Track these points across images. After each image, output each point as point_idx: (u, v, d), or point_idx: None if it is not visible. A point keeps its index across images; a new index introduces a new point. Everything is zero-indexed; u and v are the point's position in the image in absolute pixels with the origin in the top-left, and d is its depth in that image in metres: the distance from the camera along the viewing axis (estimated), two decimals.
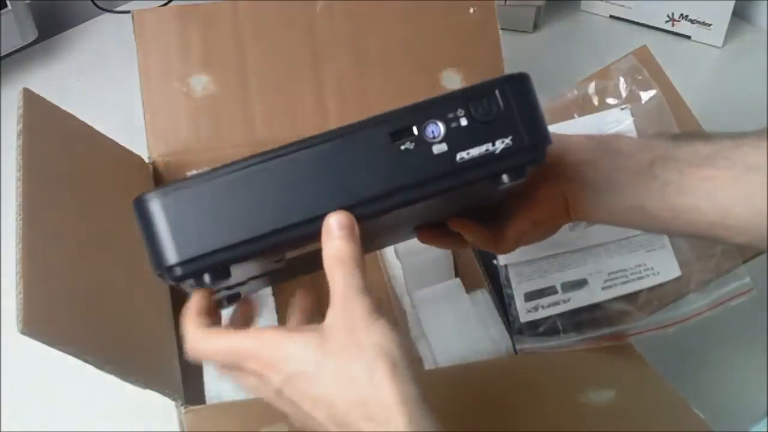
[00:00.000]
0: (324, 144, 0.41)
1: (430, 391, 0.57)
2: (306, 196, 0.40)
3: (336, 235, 0.40)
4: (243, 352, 0.40)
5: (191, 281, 0.41)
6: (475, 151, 0.41)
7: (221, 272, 0.41)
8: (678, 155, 0.48)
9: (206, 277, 0.41)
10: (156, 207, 0.40)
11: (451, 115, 0.41)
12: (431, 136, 0.41)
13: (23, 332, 0.44)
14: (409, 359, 0.39)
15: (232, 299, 0.48)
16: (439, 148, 0.41)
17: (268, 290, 0.66)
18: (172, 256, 0.40)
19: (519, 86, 0.42)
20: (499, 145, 0.41)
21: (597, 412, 0.56)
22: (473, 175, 0.42)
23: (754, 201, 0.45)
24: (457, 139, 0.41)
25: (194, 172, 0.70)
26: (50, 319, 0.47)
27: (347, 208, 0.40)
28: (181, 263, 0.40)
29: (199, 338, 0.42)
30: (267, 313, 0.65)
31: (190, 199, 0.40)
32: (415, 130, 0.41)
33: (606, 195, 0.49)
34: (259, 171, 0.40)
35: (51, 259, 0.51)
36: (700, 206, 0.47)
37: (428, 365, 0.63)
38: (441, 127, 0.41)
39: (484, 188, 0.44)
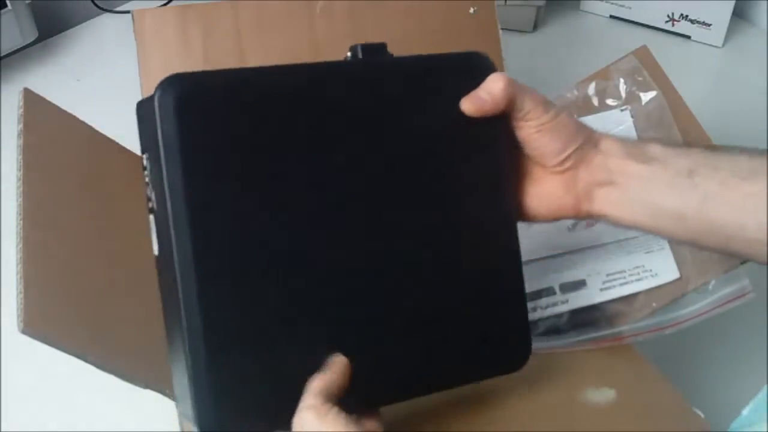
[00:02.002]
0: None
1: None
2: None
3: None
4: None
5: None
6: None
7: None
8: (719, 164, 0.46)
9: None
10: None
11: None
12: None
13: (23, 332, 0.44)
14: None
15: None
16: None
17: None
18: None
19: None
20: None
21: (597, 412, 0.57)
22: None
23: None
24: None
25: None
26: (50, 319, 0.47)
27: None
28: None
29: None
30: None
31: None
32: None
33: (637, 201, 0.48)
34: None
35: (51, 259, 0.50)
36: (740, 221, 0.45)
37: None
38: None
39: None
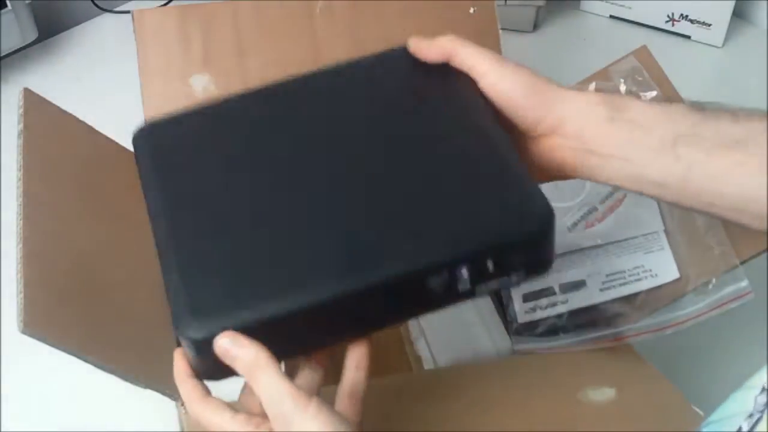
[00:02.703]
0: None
1: (430, 391, 0.57)
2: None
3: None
4: None
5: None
6: (492, 284, 0.44)
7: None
8: (703, 133, 0.45)
9: None
10: None
11: (480, 265, 0.43)
12: (459, 277, 0.43)
13: (23, 332, 0.44)
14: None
15: None
16: (463, 285, 0.43)
17: None
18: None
19: (544, 237, 0.44)
20: (514, 278, 0.44)
21: (597, 411, 0.57)
22: (484, 293, 0.44)
23: None
24: (480, 278, 0.43)
25: None
26: (50, 319, 0.47)
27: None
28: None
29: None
30: None
31: None
32: (446, 272, 0.43)
33: (617, 170, 0.47)
34: None
35: (51, 259, 0.51)
36: (723, 191, 0.44)
37: (427, 365, 0.64)
38: (468, 272, 0.43)
39: None
